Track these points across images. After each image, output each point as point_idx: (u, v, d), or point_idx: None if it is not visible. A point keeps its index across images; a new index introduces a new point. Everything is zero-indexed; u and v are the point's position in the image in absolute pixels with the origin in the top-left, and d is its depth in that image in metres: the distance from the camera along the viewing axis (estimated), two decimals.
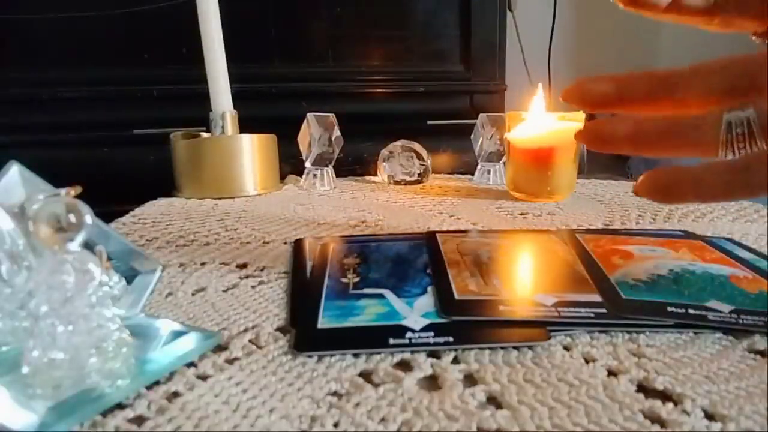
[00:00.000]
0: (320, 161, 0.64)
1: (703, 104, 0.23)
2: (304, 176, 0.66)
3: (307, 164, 0.64)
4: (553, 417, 0.18)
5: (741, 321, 0.24)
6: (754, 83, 0.21)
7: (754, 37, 0.26)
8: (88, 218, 0.19)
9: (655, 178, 0.24)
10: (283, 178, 0.68)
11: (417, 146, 0.67)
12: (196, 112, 0.63)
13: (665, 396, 0.19)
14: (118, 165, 0.81)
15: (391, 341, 0.23)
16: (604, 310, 0.25)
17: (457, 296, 0.27)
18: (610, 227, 0.45)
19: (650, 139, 0.23)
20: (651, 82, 0.23)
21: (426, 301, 0.27)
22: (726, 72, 0.22)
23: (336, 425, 0.18)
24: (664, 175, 0.23)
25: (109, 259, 0.23)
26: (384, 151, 0.68)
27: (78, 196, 0.19)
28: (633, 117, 0.24)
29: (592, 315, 0.25)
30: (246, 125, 0.62)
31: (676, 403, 0.18)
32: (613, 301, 0.26)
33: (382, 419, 0.18)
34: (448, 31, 0.97)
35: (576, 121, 0.52)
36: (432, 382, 0.20)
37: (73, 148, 0.81)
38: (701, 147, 0.22)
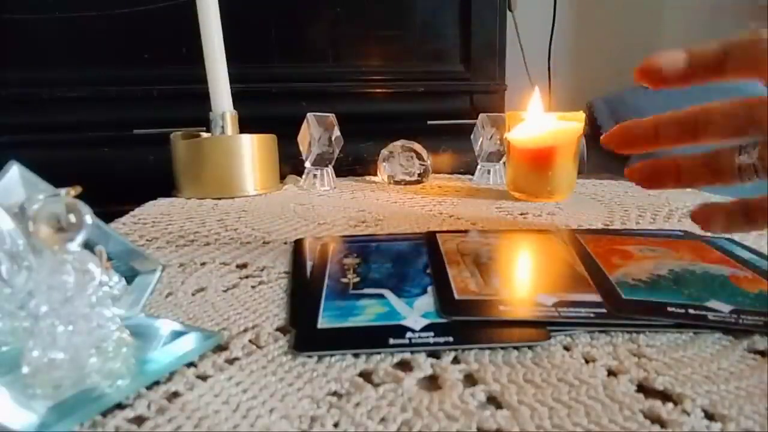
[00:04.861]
0: (320, 161, 0.64)
1: (717, 140, 0.30)
2: (304, 176, 0.66)
3: (307, 164, 0.64)
4: (553, 417, 0.18)
5: (741, 321, 0.24)
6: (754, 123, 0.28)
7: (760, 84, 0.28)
8: (88, 218, 0.19)
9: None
10: (283, 178, 0.68)
11: (417, 146, 0.67)
12: (196, 112, 0.63)
13: (665, 396, 0.19)
14: (118, 165, 0.81)
15: (391, 341, 0.23)
16: (604, 310, 0.25)
17: (457, 296, 0.27)
18: (610, 227, 0.45)
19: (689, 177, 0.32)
20: (678, 126, 0.30)
21: (426, 301, 0.27)
22: (733, 114, 0.29)
23: (336, 425, 0.18)
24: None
25: (109, 259, 0.23)
26: (384, 151, 0.68)
27: (78, 196, 0.19)
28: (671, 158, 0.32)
29: (592, 315, 0.25)
30: (246, 125, 0.62)
31: (676, 403, 0.18)
32: (613, 301, 0.26)
33: (382, 419, 0.18)
34: (448, 31, 0.97)
35: (576, 120, 0.52)
36: (432, 382, 0.20)
37: (73, 148, 0.81)
38: (722, 179, 0.31)
